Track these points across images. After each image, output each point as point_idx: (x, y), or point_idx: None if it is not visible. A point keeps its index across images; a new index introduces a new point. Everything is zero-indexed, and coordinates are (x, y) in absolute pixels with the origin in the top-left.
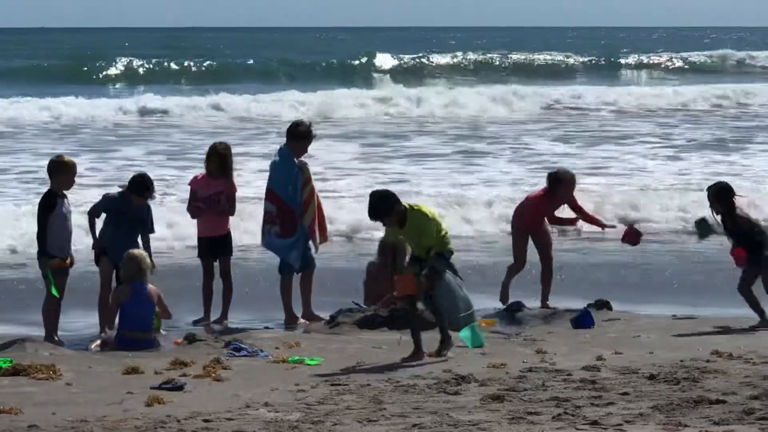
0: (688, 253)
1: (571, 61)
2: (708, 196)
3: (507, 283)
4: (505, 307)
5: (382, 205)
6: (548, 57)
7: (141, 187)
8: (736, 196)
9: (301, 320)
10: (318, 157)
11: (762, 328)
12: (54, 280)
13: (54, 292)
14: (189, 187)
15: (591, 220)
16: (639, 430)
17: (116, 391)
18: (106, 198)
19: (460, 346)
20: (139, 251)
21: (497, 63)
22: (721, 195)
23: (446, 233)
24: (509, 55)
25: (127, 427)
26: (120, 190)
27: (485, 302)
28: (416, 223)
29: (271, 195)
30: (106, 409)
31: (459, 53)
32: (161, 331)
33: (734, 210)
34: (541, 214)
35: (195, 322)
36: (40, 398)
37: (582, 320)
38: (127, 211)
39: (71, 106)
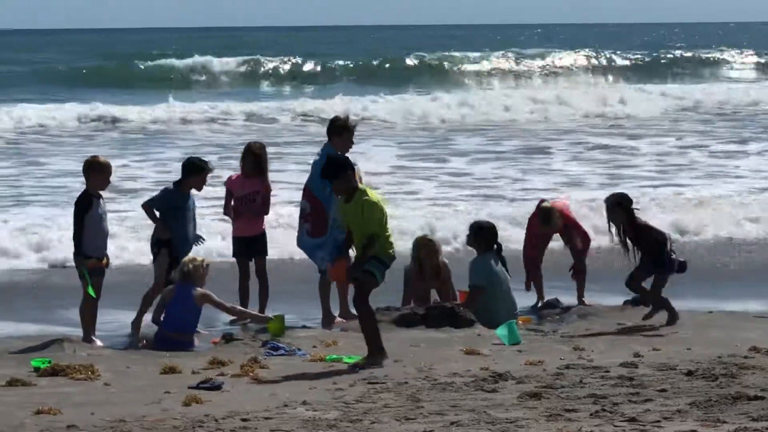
0: (723, 248)
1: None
2: (607, 208)
3: (540, 287)
4: (541, 304)
5: (333, 167)
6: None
7: (193, 166)
8: (634, 206)
9: (339, 319)
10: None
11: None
12: (90, 280)
13: (91, 292)
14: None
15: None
16: (677, 427)
17: (154, 391)
18: (167, 192)
19: (497, 343)
20: (192, 257)
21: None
22: (621, 205)
23: (390, 236)
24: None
25: (165, 426)
26: (175, 183)
27: (523, 300)
28: (361, 204)
29: (307, 194)
30: (144, 409)
31: (585, 50)
32: (200, 331)
33: (635, 219)
34: (529, 234)
35: (232, 322)
36: (78, 398)
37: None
38: (183, 205)
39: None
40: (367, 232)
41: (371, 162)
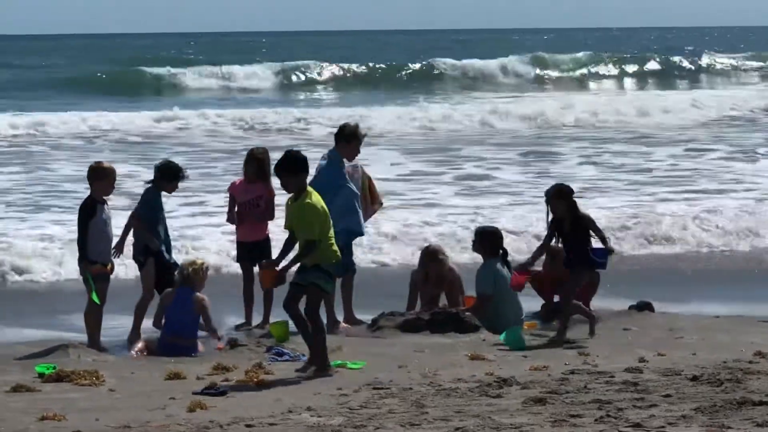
0: (728, 254)
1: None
2: (547, 199)
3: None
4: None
5: (288, 162)
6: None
7: (172, 171)
8: (575, 197)
9: (343, 324)
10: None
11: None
12: (95, 285)
13: (95, 298)
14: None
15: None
16: None
17: (159, 396)
18: (150, 196)
19: (502, 349)
20: (191, 260)
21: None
22: (562, 196)
23: (333, 243)
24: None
25: None
26: (149, 186)
27: (529, 305)
28: (303, 206)
29: None
30: (148, 415)
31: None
32: (208, 337)
33: (577, 210)
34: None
35: (237, 327)
36: (83, 404)
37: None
38: (161, 205)
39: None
40: (306, 237)
41: (384, 169)
